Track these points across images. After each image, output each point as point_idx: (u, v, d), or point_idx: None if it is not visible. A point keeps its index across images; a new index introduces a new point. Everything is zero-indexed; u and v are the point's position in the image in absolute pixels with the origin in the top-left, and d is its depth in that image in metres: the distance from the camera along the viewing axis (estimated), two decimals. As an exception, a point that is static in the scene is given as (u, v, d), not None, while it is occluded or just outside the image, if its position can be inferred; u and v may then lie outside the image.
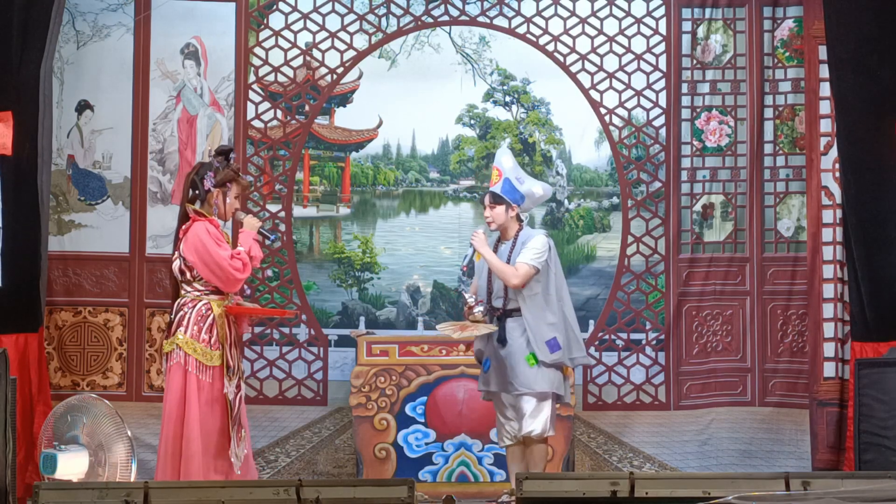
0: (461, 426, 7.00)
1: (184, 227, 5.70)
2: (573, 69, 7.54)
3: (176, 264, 5.70)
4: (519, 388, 5.91)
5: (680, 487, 4.54)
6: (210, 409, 5.58)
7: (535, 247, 5.94)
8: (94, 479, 5.64)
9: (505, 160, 6.10)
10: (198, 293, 5.67)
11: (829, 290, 7.21)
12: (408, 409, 6.98)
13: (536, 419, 5.88)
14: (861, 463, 5.91)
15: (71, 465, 5.65)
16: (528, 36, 7.54)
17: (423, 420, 6.98)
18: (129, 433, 5.75)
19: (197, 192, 5.70)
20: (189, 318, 5.61)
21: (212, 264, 5.59)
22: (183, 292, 5.69)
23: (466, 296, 6.06)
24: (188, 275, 5.66)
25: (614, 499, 4.52)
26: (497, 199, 6.03)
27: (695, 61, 7.52)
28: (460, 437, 6.98)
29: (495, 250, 6.06)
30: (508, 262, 5.96)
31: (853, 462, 6.10)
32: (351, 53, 7.53)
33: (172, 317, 5.68)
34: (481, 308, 5.99)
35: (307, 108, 7.54)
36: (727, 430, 7.26)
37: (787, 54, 7.46)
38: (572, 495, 4.55)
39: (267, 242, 6.17)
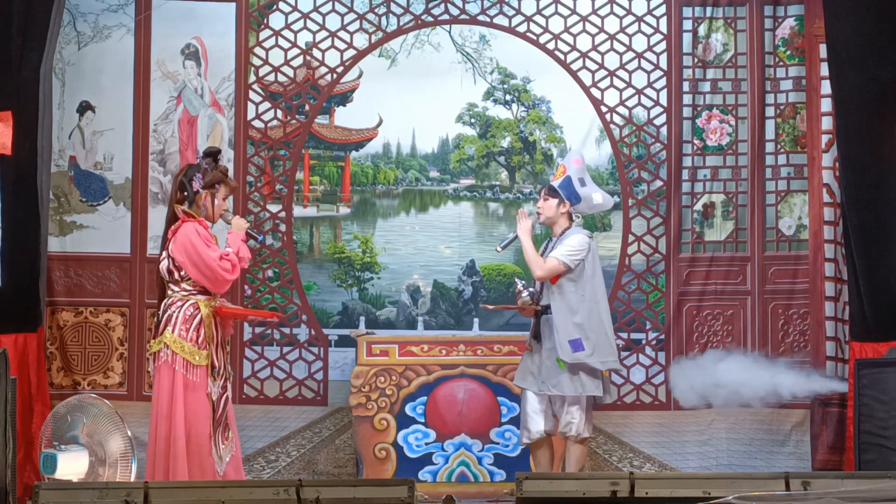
0: (461, 426, 6.99)
1: (172, 227, 5.71)
2: (574, 67, 7.53)
3: (164, 264, 5.72)
4: (551, 390, 5.91)
5: (680, 487, 4.54)
6: (197, 408, 5.58)
7: (571, 244, 5.96)
8: (94, 479, 5.65)
9: (574, 161, 6.16)
10: (185, 293, 5.68)
11: (830, 289, 7.21)
12: (408, 409, 6.98)
13: (571, 422, 5.89)
14: (861, 463, 5.89)
15: (71, 465, 5.67)
16: (529, 34, 7.54)
17: (423, 420, 6.97)
18: (129, 433, 5.76)
19: (185, 193, 5.71)
20: (177, 318, 5.63)
21: (201, 265, 5.61)
22: (170, 292, 5.71)
23: (518, 280, 6.13)
24: (176, 275, 5.68)
25: (614, 499, 4.52)
26: (552, 192, 6.08)
27: (696, 60, 7.51)
28: (460, 437, 6.97)
29: (545, 249, 6.07)
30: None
31: (853, 462, 6.08)
32: (351, 53, 7.53)
33: (160, 316, 5.69)
34: (529, 293, 6.02)
35: (307, 107, 7.54)
36: (727, 430, 7.25)
37: (788, 53, 7.45)
38: (572, 495, 4.54)
39: (257, 242, 6.18)
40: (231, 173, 6.55)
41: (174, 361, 5.58)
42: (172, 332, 5.60)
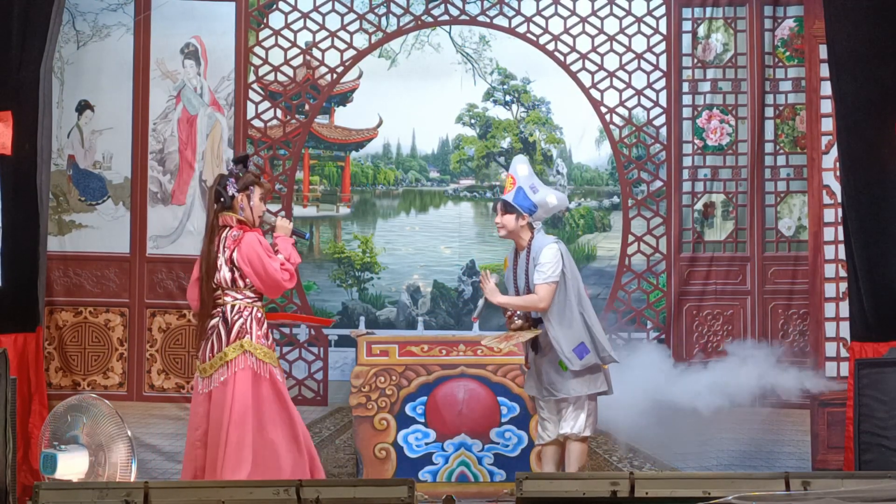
0: (461, 426, 6.99)
1: (229, 235, 5.76)
2: (573, 68, 7.54)
3: (224, 273, 5.77)
4: (555, 394, 5.90)
5: (680, 487, 4.53)
6: (287, 408, 5.78)
7: (547, 262, 5.85)
8: (94, 479, 5.64)
9: (520, 168, 5.99)
10: (249, 300, 5.81)
11: (830, 290, 7.22)
12: (408, 409, 6.97)
13: (570, 421, 5.89)
14: (861, 463, 5.90)
15: (71, 465, 5.66)
16: (529, 35, 7.54)
17: (423, 420, 6.97)
18: (129, 433, 5.75)
19: (222, 199, 5.78)
20: (250, 324, 5.76)
21: (264, 275, 5.73)
22: (230, 298, 5.78)
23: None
24: (240, 283, 5.79)
25: (614, 499, 4.51)
26: (508, 208, 5.92)
27: (695, 60, 7.52)
28: (460, 437, 6.97)
29: (514, 262, 6.03)
30: (526, 274, 5.90)
31: (853, 462, 6.09)
32: (351, 53, 7.53)
33: (229, 323, 5.73)
34: (518, 315, 5.95)
35: (307, 107, 7.54)
36: (727, 430, 7.25)
37: (788, 53, 7.46)
38: (572, 495, 4.54)
39: (304, 240, 6.26)
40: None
41: (259, 367, 5.72)
42: (251, 337, 5.72)
